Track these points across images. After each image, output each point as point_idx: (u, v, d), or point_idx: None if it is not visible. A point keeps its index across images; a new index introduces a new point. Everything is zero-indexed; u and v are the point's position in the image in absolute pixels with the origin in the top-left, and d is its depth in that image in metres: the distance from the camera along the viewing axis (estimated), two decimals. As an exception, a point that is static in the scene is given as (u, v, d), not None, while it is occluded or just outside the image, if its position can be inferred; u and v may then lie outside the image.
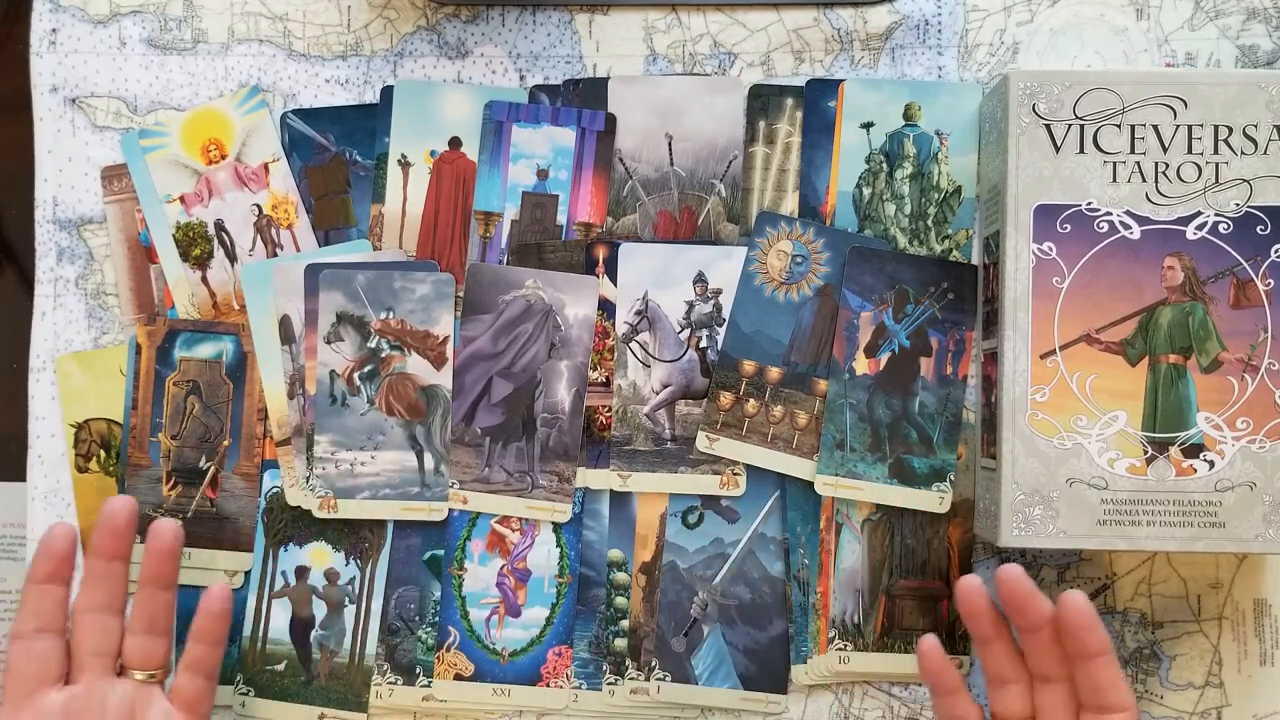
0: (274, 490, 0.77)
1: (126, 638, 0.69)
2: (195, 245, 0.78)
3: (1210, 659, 0.76)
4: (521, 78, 0.78)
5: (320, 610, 0.77)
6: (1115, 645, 0.75)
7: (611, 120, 0.77)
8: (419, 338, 0.77)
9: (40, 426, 0.78)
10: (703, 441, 0.76)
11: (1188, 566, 0.76)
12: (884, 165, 0.77)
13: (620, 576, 0.77)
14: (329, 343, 0.77)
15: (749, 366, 0.76)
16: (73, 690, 0.68)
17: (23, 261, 0.90)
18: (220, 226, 0.78)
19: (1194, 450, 0.69)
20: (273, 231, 0.78)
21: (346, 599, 0.77)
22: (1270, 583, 0.76)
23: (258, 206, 0.78)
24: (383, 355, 0.77)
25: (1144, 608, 0.76)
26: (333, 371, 0.77)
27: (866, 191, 0.77)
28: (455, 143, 0.78)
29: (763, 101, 0.77)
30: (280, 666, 0.77)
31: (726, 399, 0.76)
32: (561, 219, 0.78)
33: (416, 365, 0.77)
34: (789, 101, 0.77)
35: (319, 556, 0.77)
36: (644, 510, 0.77)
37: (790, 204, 0.77)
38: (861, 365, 0.76)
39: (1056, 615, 0.65)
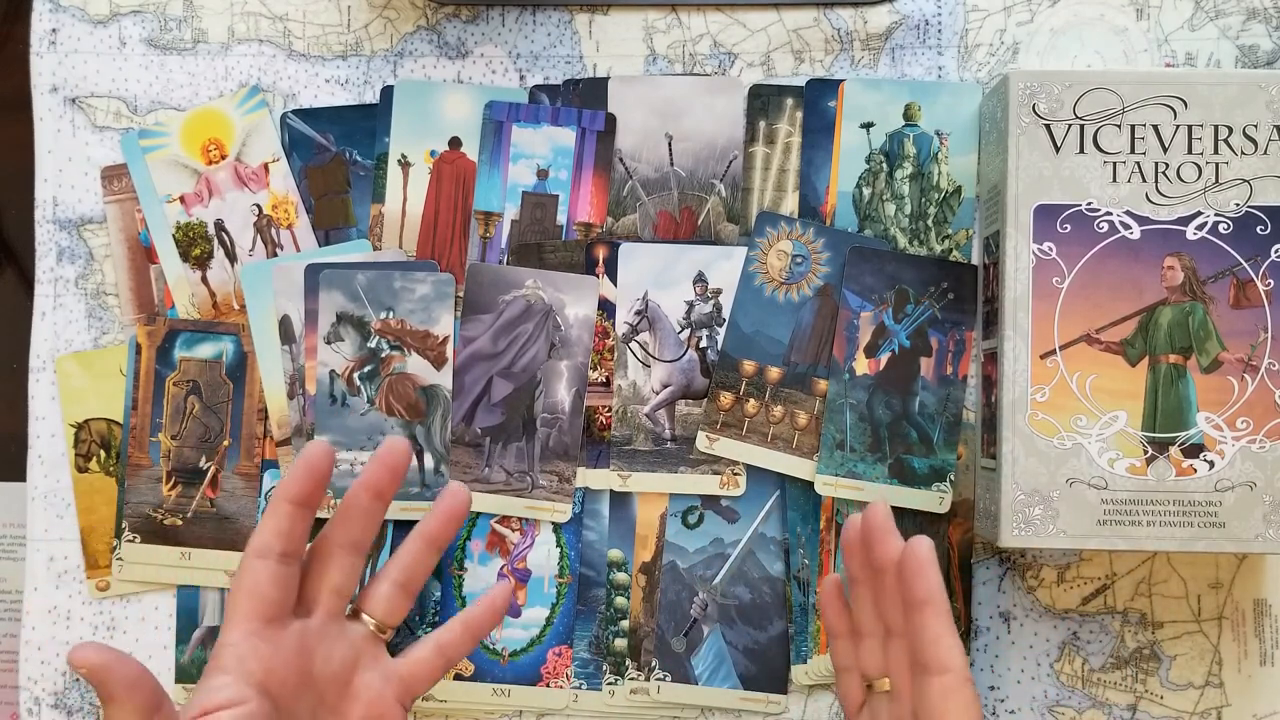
0: (274, 490, 0.77)
1: (379, 583, 0.66)
2: (195, 245, 0.78)
3: (1210, 659, 0.76)
4: (521, 78, 0.78)
5: (320, 610, 0.77)
6: (1115, 645, 0.76)
7: (611, 120, 0.77)
8: (419, 338, 0.77)
9: (40, 426, 0.78)
10: (703, 441, 0.76)
11: (1188, 566, 0.76)
12: (884, 165, 0.77)
13: (620, 576, 0.77)
14: (329, 343, 0.77)
15: (749, 366, 0.76)
16: (307, 624, 0.63)
17: (23, 261, 0.90)
18: (220, 226, 0.78)
19: (1194, 450, 0.69)
20: (273, 231, 0.78)
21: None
22: (1270, 583, 0.76)
23: (258, 206, 0.78)
24: (383, 355, 0.77)
25: (1144, 608, 0.76)
26: (333, 371, 0.77)
27: (866, 191, 0.77)
28: (455, 143, 0.78)
29: (763, 101, 0.77)
30: (280, 666, 0.77)
31: (726, 399, 0.76)
32: (561, 219, 0.78)
33: (416, 365, 0.77)
34: (789, 101, 0.77)
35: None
36: (644, 510, 0.77)
37: (790, 204, 0.77)
38: (861, 365, 0.76)
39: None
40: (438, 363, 0.77)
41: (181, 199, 0.78)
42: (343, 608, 0.65)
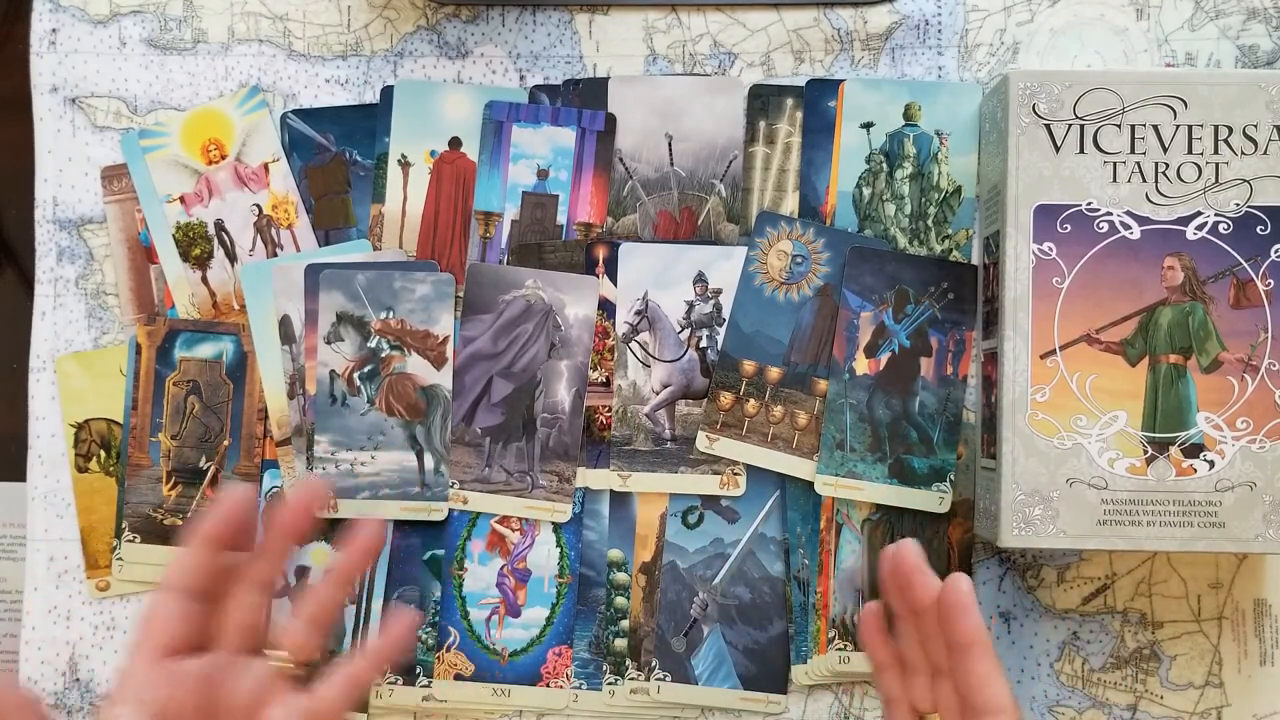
0: (274, 490, 0.77)
1: (291, 619, 0.65)
2: (195, 245, 0.78)
3: (1210, 659, 0.76)
4: (521, 78, 0.78)
5: (320, 611, 0.77)
6: (1115, 645, 0.76)
7: (611, 120, 0.77)
8: (419, 338, 0.77)
9: (40, 426, 0.78)
10: (703, 441, 0.76)
11: (1188, 566, 0.76)
12: (884, 165, 0.77)
13: (620, 576, 0.77)
14: (329, 343, 0.77)
15: (749, 366, 0.76)
16: (214, 658, 0.62)
17: (23, 261, 0.90)
18: (220, 226, 0.78)
19: (1194, 450, 0.69)
20: (273, 231, 0.78)
21: (347, 600, 0.77)
22: (1270, 583, 0.76)
23: (258, 207, 0.78)
24: (383, 355, 0.77)
25: (1144, 608, 0.76)
26: (333, 371, 0.77)
27: (866, 191, 0.77)
28: (455, 143, 0.78)
29: (763, 101, 0.77)
30: (280, 667, 0.77)
31: (727, 399, 0.76)
32: (561, 219, 0.78)
33: (416, 365, 0.77)
34: (789, 101, 0.77)
35: (319, 557, 0.77)
36: (644, 510, 0.77)
37: (790, 204, 0.77)
38: (861, 365, 0.76)
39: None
40: (438, 363, 0.77)
41: (181, 199, 0.78)
42: (251, 643, 0.64)
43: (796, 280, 0.77)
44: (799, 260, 0.77)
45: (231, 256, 0.78)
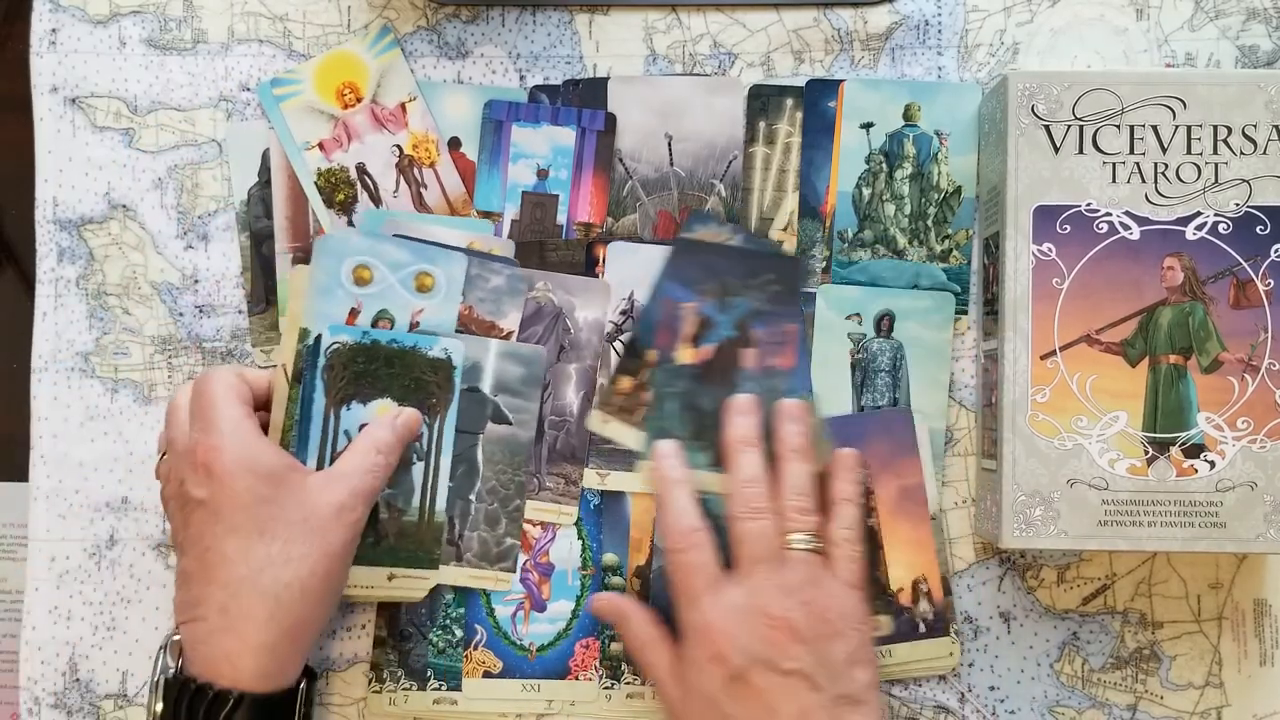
0: (334, 347, 0.74)
1: None
2: (338, 190, 0.77)
3: (1210, 659, 0.76)
4: (521, 78, 0.78)
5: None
6: (1115, 645, 0.76)
7: (611, 120, 0.77)
8: (485, 328, 0.76)
9: (43, 427, 0.78)
10: (595, 422, 0.76)
11: (1188, 566, 0.76)
12: (884, 165, 0.77)
13: (615, 581, 0.77)
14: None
15: (651, 356, 0.76)
16: None
17: (23, 262, 0.90)
18: (362, 170, 0.77)
19: (1195, 450, 0.69)
20: (415, 171, 0.77)
21: (414, 456, 0.75)
22: (1270, 583, 0.76)
23: (398, 147, 0.77)
24: None
25: (1144, 608, 0.76)
26: None
27: (866, 192, 0.77)
28: (455, 142, 0.78)
29: (763, 101, 0.77)
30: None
31: (625, 383, 0.76)
32: (561, 219, 0.78)
33: None
34: (789, 101, 0.77)
35: (384, 414, 0.74)
36: (638, 513, 0.77)
37: (790, 204, 0.78)
38: (686, 355, 0.76)
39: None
40: None
41: (320, 145, 0.77)
42: None
43: (710, 280, 0.77)
44: (716, 262, 0.77)
45: (376, 199, 0.77)
